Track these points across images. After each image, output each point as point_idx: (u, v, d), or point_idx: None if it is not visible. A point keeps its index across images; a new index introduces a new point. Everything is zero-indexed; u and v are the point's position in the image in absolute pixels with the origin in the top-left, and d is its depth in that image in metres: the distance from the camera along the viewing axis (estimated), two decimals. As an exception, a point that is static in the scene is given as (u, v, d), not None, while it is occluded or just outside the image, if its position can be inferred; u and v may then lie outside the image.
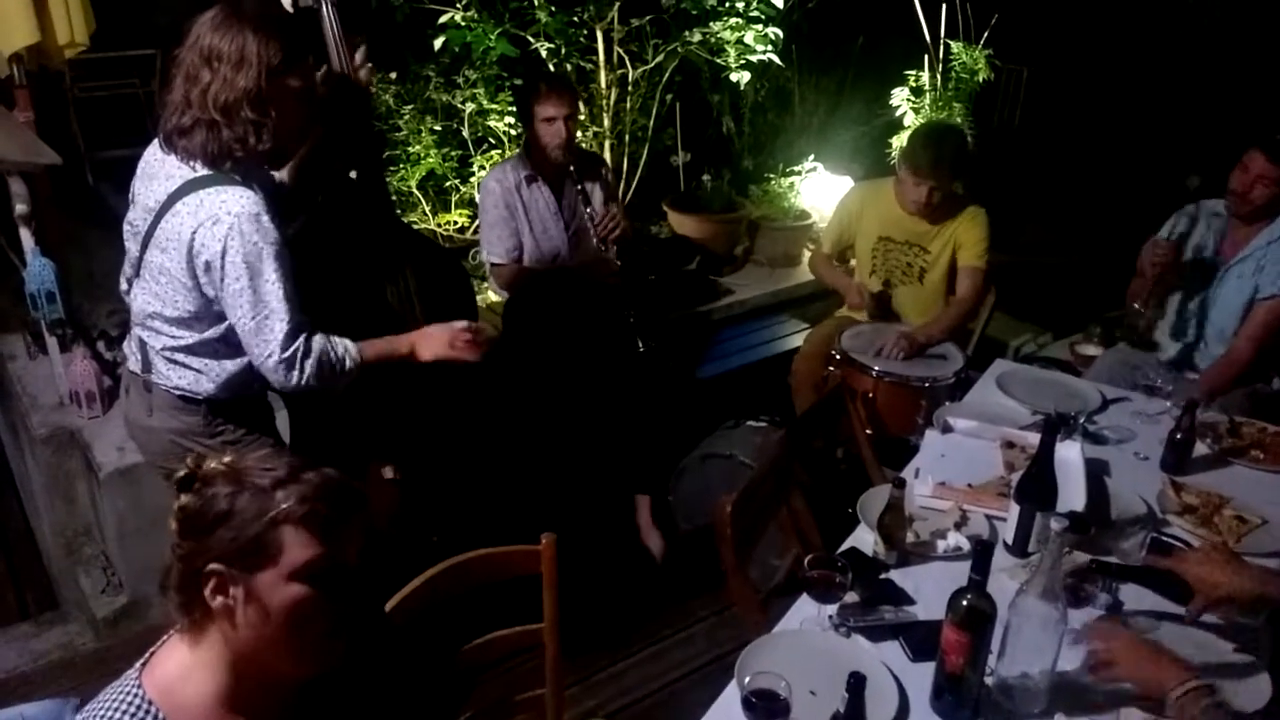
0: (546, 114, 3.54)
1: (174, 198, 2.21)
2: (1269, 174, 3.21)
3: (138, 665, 1.37)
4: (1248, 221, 3.35)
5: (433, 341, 2.55)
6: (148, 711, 1.31)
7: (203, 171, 2.22)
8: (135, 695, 1.32)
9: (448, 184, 4.83)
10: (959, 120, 5.27)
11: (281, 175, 2.59)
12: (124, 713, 1.30)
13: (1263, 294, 3.28)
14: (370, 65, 2.72)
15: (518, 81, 4.51)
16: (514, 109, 4.52)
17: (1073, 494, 2.30)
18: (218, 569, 1.29)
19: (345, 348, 2.39)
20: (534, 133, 3.63)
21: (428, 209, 4.84)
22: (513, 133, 4.72)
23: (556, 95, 3.55)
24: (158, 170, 2.27)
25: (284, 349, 2.26)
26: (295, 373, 2.29)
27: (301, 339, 2.29)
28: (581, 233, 3.82)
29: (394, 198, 4.57)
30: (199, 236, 2.18)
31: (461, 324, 2.58)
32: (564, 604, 2.15)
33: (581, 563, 3.20)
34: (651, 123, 5.15)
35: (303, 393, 2.36)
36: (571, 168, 3.70)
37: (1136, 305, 3.41)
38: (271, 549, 1.30)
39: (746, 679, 1.70)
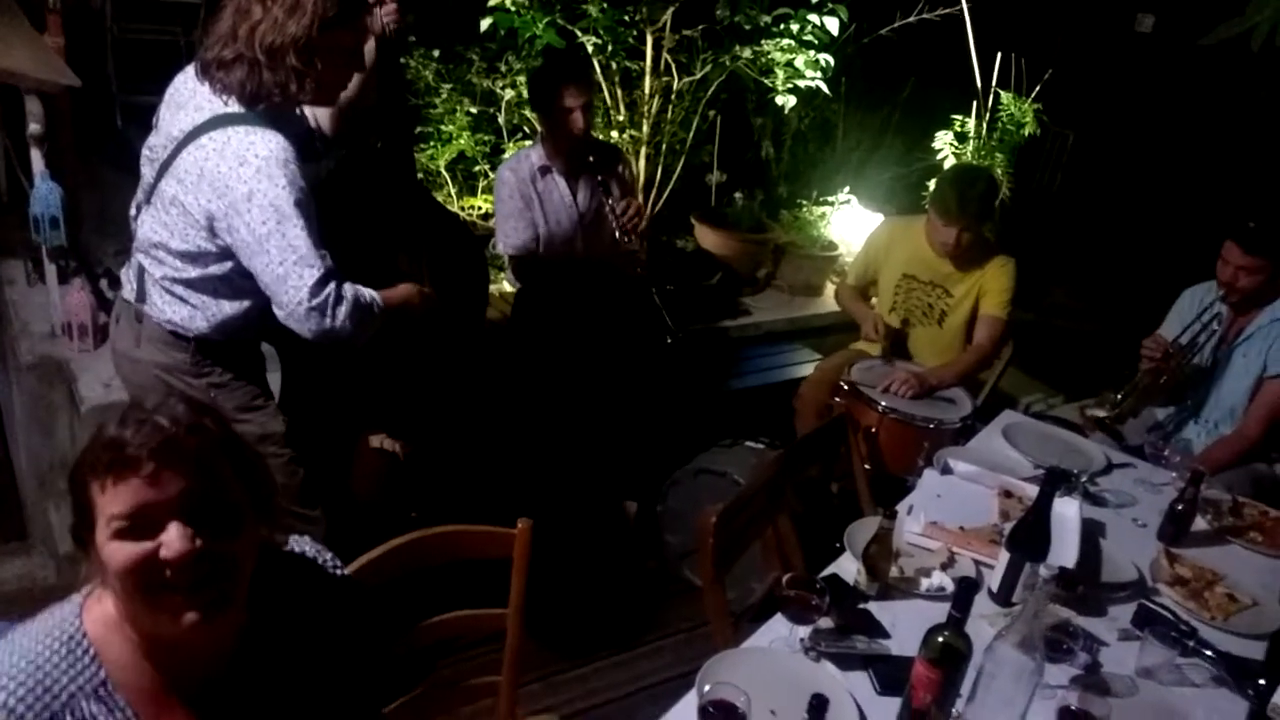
0: (566, 103, 3.48)
1: (201, 130, 2.17)
2: (1247, 264, 3.19)
3: (83, 593, 1.31)
4: (1243, 311, 3.33)
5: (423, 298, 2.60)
6: (80, 644, 1.26)
7: (235, 109, 2.18)
8: (73, 626, 1.28)
9: (476, 168, 4.80)
10: (999, 172, 5.23)
11: (322, 120, 2.55)
12: (57, 639, 1.26)
13: (1271, 372, 3.25)
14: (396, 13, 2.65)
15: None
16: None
17: (1065, 550, 2.24)
18: (82, 531, 1.26)
19: (372, 295, 2.36)
20: (552, 122, 3.58)
21: (453, 190, 4.82)
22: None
23: (576, 85, 3.49)
24: (188, 99, 2.23)
25: (314, 295, 2.21)
26: (327, 319, 2.24)
27: (333, 285, 2.24)
28: (598, 225, 3.78)
29: (421, 175, 4.56)
30: (224, 176, 2.14)
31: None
32: (536, 599, 2.11)
33: (560, 560, 3.17)
34: (690, 136, 5.12)
35: (330, 341, 2.29)
36: (591, 158, 3.66)
37: (1119, 395, 3.34)
38: (87, 506, 1.23)
39: (706, 688, 1.65)
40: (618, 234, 3.61)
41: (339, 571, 1.53)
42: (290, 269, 2.18)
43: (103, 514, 1.21)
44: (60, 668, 1.24)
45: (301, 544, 1.52)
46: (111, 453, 1.21)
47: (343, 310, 2.25)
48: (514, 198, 3.64)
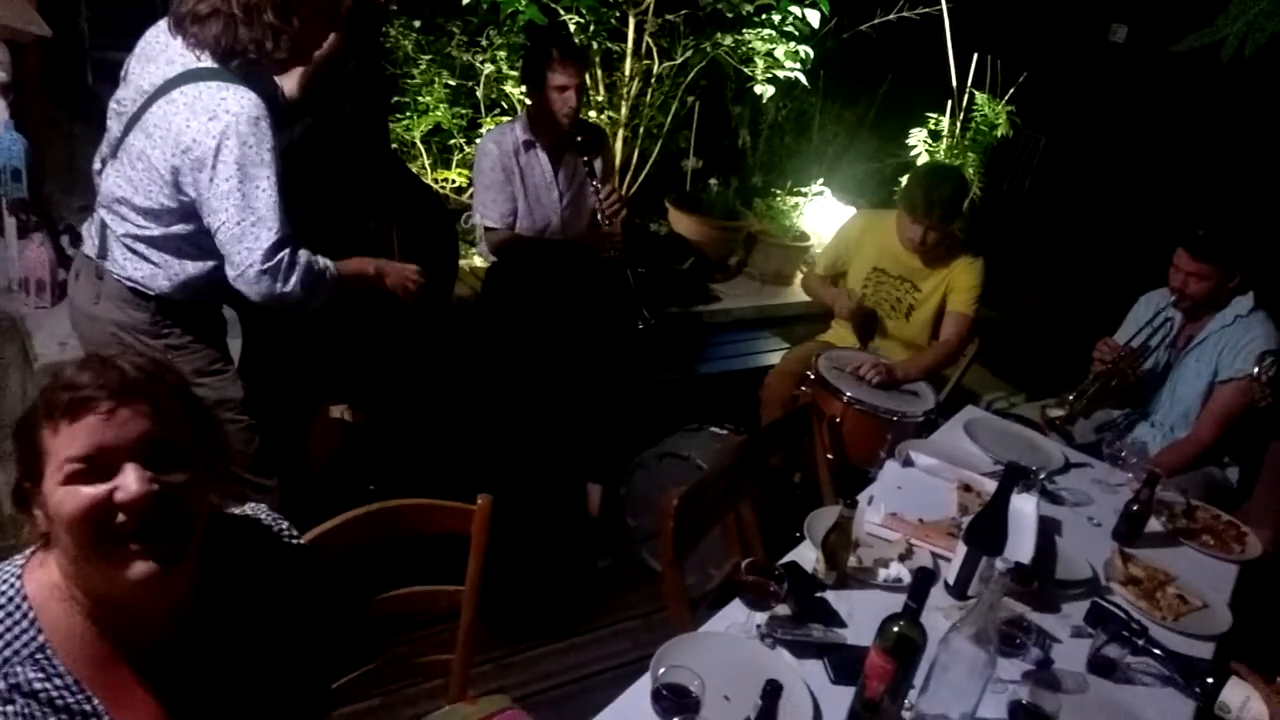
0: (558, 82, 3.46)
1: (171, 84, 2.13)
2: (1197, 270, 3.23)
3: (25, 554, 1.27)
4: (1194, 317, 3.37)
5: (394, 273, 2.56)
6: (19, 608, 1.22)
7: (207, 64, 2.14)
8: (12, 588, 1.24)
9: (452, 141, 4.76)
10: (971, 172, 5.25)
11: (289, 86, 2.52)
12: None
13: (1222, 376, 3.29)
14: None
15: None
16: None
17: (1022, 545, 2.25)
18: (26, 485, 1.22)
19: (325, 263, 2.33)
20: (542, 99, 3.55)
21: (428, 163, 4.78)
22: (526, 101, 4.66)
23: (569, 63, 3.47)
24: (159, 53, 2.19)
25: (267, 259, 2.18)
26: (278, 284, 2.21)
27: (287, 251, 2.21)
28: (577, 205, 3.76)
29: (396, 146, 4.52)
30: (192, 131, 2.10)
31: (414, 268, 2.60)
32: (492, 579, 2.10)
33: (519, 540, 3.15)
34: (668, 121, 5.11)
35: (277, 306, 2.26)
36: (579, 138, 3.64)
37: (1071, 397, 3.37)
38: (39, 454, 1.19)
39: (661, 670, 1.65)
40: (599, 215, 3.59)
41: (294, 540, 1.50)
42: (247, 230, 2.15)
43: (55, 458, 1.18)
44: None
45: (257, 511, 1.49)
46: (69, 392, 1.18)
47: (294, 277, 2.23)
48: (495, 170, 3.61)
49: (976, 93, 5.32)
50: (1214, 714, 1.89)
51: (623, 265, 3.68)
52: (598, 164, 3.72)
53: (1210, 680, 1.92)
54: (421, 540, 2.00)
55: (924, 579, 1.65)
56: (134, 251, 2.28)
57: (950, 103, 5.38)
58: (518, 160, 3.64)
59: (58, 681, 1.22)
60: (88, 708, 1.23)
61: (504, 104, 4.78)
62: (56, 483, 1.18)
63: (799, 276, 5.19)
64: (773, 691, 1.49)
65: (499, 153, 3.62)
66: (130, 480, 1.19)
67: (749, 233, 5.24)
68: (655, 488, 3.50)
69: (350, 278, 2.43)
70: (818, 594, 2.10)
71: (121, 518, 1.18)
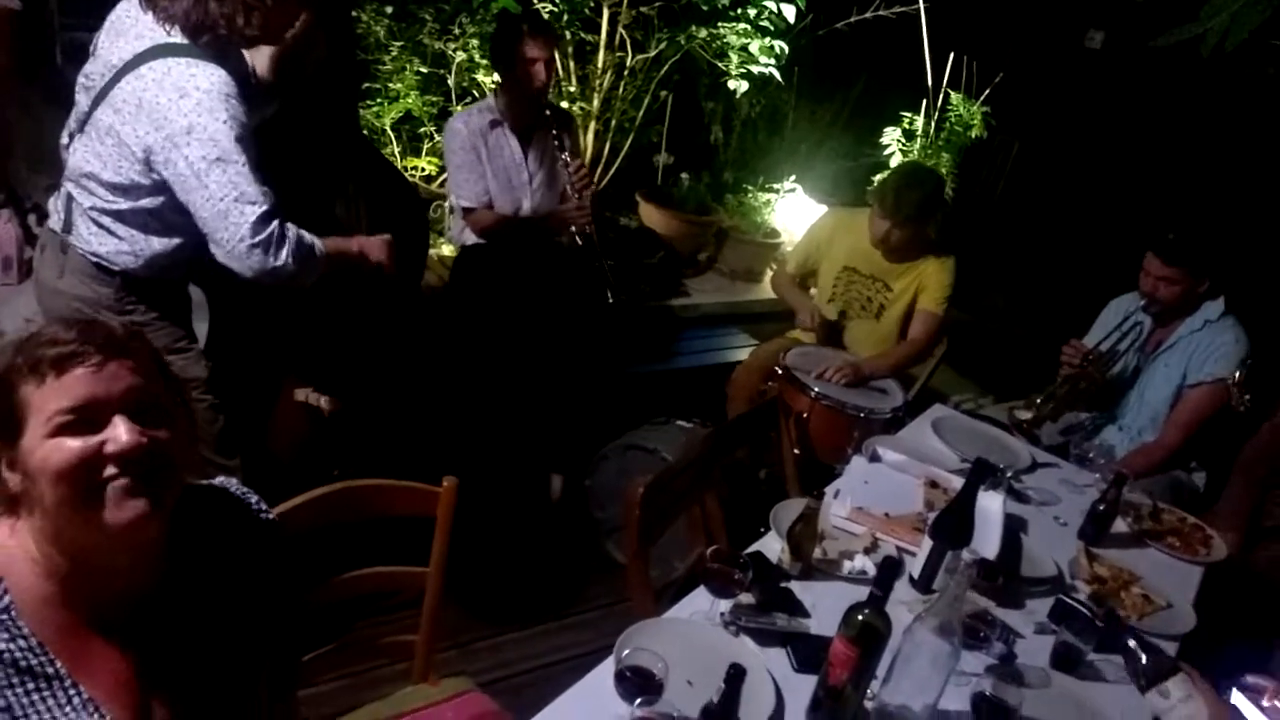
0: (530, 54, 3.44)
1: (140, 59, 2.10)
2: (1166, 274, 3.25)
3: None
4: (1164, 322, 3.39)
5: (372, 248, 2.53)
6: None
7: (178, 39, 2.11)
8: None
9: (422, 130, 4.73)
10: (944, 172, 5.27)
11: (260, 65, 2.47)
12: None
13: (1190, 381, 3.30)
14: None
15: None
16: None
17: (987, 541, 2.25)
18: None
19: (312, 239, 2.29)
20: (513, 75, 3.53)
21: (398, 150, 4.73)
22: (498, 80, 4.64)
23: (540, 37, 3.46)
24: (129, 27, 2.15)
25: (256, 232, 2.14)
26: (270, 257, 2.17)
27: (275, 224, 2.18)
28: (548, 186, 3.73)
29: (365, 132, 4.48)
30: (163, 108, 2.07)
31: (385, 237, 2.57)
32: (455, 565, 2.08)
33: (482, 527, 3.13)
34: (640, 115, 5.09)
35: (272, 281, 2.22)
36: (548, 112, 3.62)
37: (1039, 399, 3.39)
38: (18, 410, 1.18)
39: (625, 653, 1.63)
40: (569, 189, 3.56)
41: (264, 514, 1.48)
42: (231, 205, 2.11)
43: (40, 413, 1.17)
44: None
45: (227, 483, 1.48)
46: (56, 347, 1.18)
47: (285, 249, 2.19)
48: (465, 149, 3.59)
49: (952, 93, 5.34)
50: (1153, 694, 1.88)
51: (591, 245, 3.65)
52: (567, 138, 3.70)
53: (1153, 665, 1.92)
54: (385, 525, 1.98)
55: (890, 567, 1.65)
56: (100, 225, 2.24)
57: (925, 102, 5.39)
58: (485, 141, 3.61)
59: (21, 644, 1.21)
60: (50, 670, 1.22)
61: (475, 92, 4.75)
62: (42, 436, 1.17)
63: (769, 273, 5.19)
64: (736, 675, 1.48)
65: (467, 132, 3.59)
66: (121, 431, 1.19)
67: (720, 228, 5.23)
68: (620, 479, 3.49)
69: (335, 255, 2.39)
70: (782, 584, 2.09)
71: (111, 470, 1.19)
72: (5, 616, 1.20)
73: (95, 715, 1.24)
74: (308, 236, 2.28)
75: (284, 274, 2.21)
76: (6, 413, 1.19)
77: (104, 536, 1.21)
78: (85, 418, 1.18)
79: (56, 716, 1.22)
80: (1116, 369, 3.45)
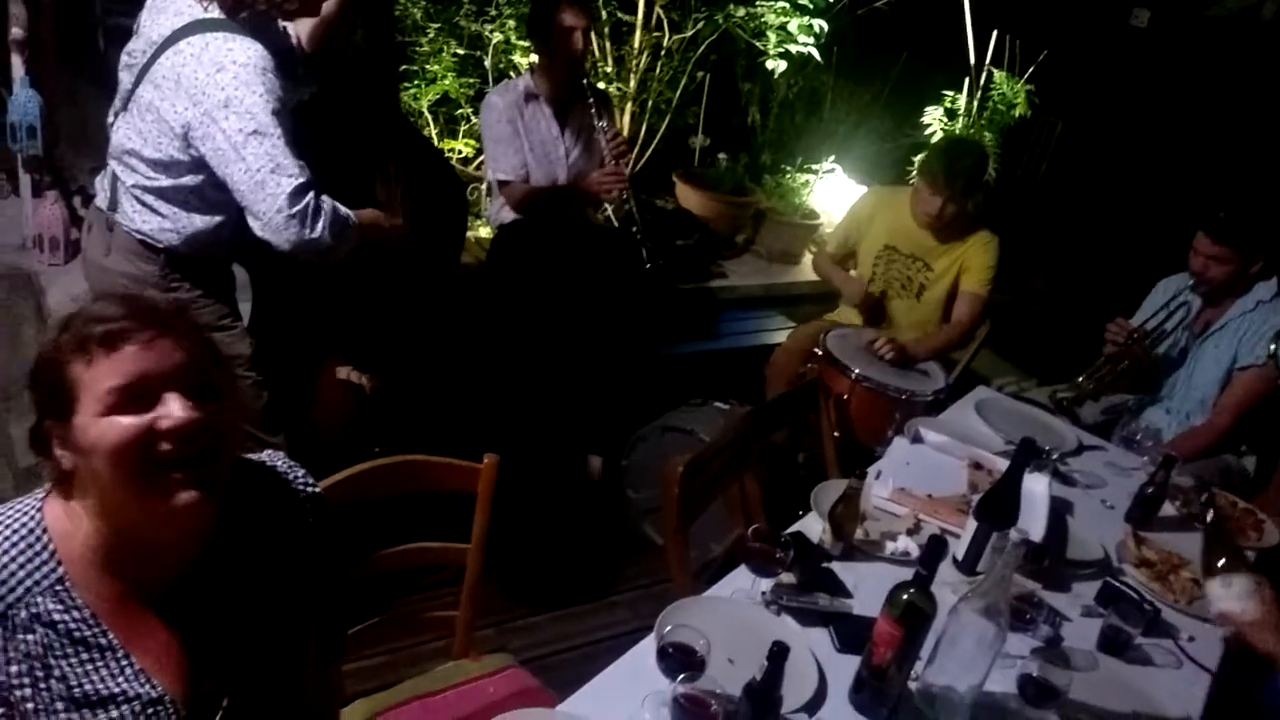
0: (567, 23, 3.41)
1: (179, 35, 2.11)
2: (1216, 254, 3.18)
3: (46, 488, 1.26)
4: (1214, 303, 3.32)
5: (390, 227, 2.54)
6: (39, 539, 1.21)
7: (215, 14, 2.12)
8: (33, 519, 1.22)
9: (459, 111, 4.72)
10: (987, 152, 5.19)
11: (303, 37, 2.47)
12: (16, 532, 1.21)
13: (1241, 363, 3.24)
14: None
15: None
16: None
17: (1033, 523, 2.22)
18: (49, 424, 1.20)
19: (347, 211, 2.30)
20: (550, 47, 3.51)
21: (435, 132, 4.73)
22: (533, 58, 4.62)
23: (577, 5, 3.44)
24: (168, 4, 2.17)
25: (293, 203, 2.14)
26: (306, 229, 2.17)
27: (311, 195, 2.18)
28: (585, 160, 3.70)
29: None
30: (200, 83, 2.07)
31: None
32: (493, 543, 2.08)
33: (519, 507, 3.12)
34: (677, 97, 5.06)
35: (308, 253, 2.23)
36: (585, 80, 3.60)
37: (1080, 378, 3.34)
38: (69, 389, 1.17)
39: (667, 629, 1.62)
40: (606, 156, 3.53)
41: (310, 488, 1.47)
42: (267, 177, 2.11)
43: (91, 391, 1.16)
44: (18, 561, 1.19)
45: (274, 458, 1.47)
46: (105, 324, 1.17)
47: (321, 221, 2.19)
48: (502, 123, 3.57)
49: (995, 70, 5.25)
50: (1217, 580, 1.88)
51: (630, 211, 3.62)
52: (603, 110, 3.68)
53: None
54: (420, 503, 1.99)
55: (935, 547, 1.63)
56: (143, 203, 2.25)
57: (968, 80, 5.31)
58: (522, 114, 3.59)
59: (75, 615, 1.21)
60: (103, 641, 1.23)
61: (512, 74, 4.71)
62: (94, 414, 1.16)
63: (807, 255, 5.15)
64: (779, 653, 1.46)
65: (503, 105, 3.57)
66: (175, 408, 1.18)
67: (757, 210, 5.18)
68: (656, 460, 3.48)
69: (368, 227, 2.39)
70: (824, 564, 2.07)
71: (165, 446, 1.18)
72: (60, 588, 1.21)
73: (147, 685, 1.25)
74: (342, 209, 2.28)
75: (320, 246, 2.21)
76: (57, 392, 1.18)
77: (155, 516, 1.20)
78: (137, 394, 1.17)
79: (110, 687, 1.23)
80: (1163, 349, 3.39)
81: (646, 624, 1.75)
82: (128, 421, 1.16)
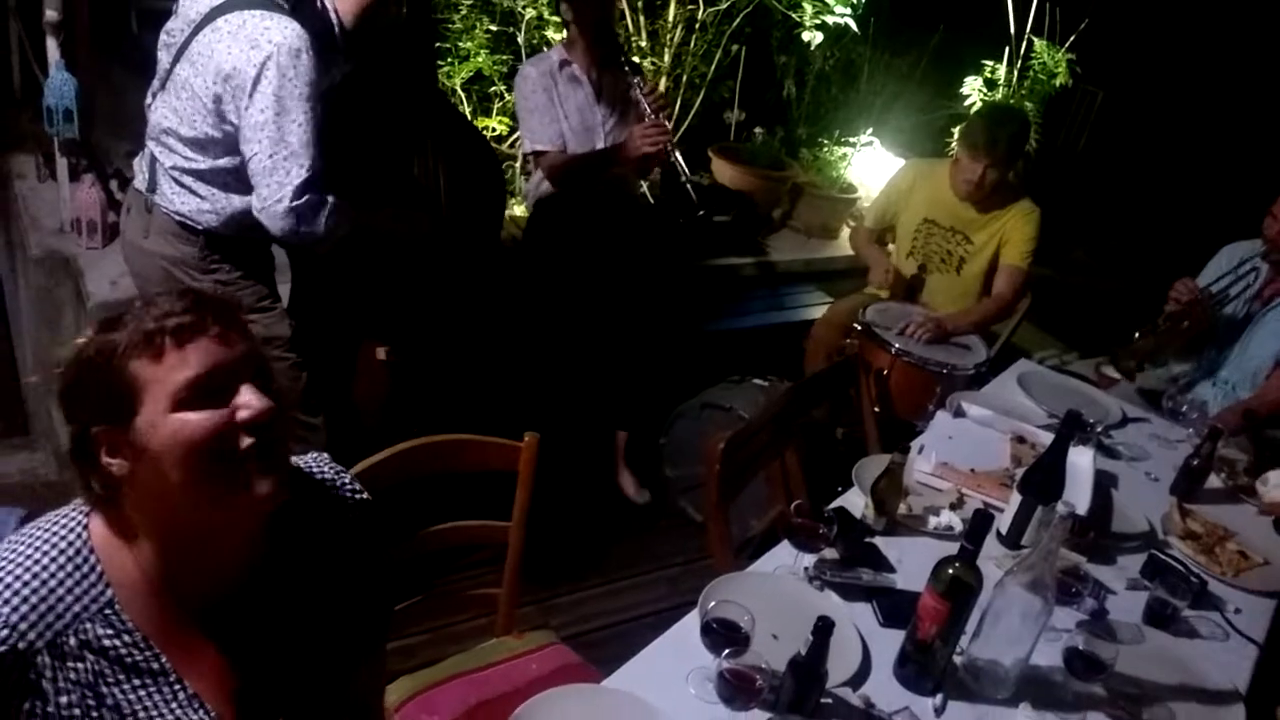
0: None
1: (217, 12, 2.12)
2: None
3: (81, 505, 1.21)
4: None
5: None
6: (86, 560, 1.16)
7: None
8: (79, 538, 1.17)
9: (493, 89, 4.70)
10: (1027, 122, 5.12)
11: (345, 15, 2.46)
12: (62, 552, 1.16)
13: None
14: None
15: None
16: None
17: (1078, 497, 2.19)
18: (99, 430, 1.14)
19: (345, 206, 2.29)
20: (581, 8, 3.46)
21: (468, 110, 4.72)
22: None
23: None
24: None
25: (297, 196, 2.16)
26: (301, 224, 2.19)
27: (316, 191, 2.19)
28: (621, 126, 3.67)
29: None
30: (234, 58, 2.09)
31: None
32: (535, 520, 2.08)
33: (561, 485, 3.14)
34: (711, 71, 5.01)
35: (297, 242, 2.26)
36: (618, 46, 3.57)
37: (1138, 334, 3.28)
38: (130, 389, 1.12)
39: (711, 604, 1.62)
40: (647, 111, 3.50)
41: (358, 495, 1.43)
42: (279, 163, 2.13)
43: (158, 388, 1.12)
44: (65, 585, 1.14)
45: (320, 462, 1.42)
46: (173, 319, 1.13)
47: (321, 217, 2.21)
48: (536, 93, 3.52)
49: (1035, 39, 5.16)
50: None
51: (676, 161, 3.55)
52: (639, 69, 3.64)
53: None
54: (459, 482, 1.99)
55: (981, 521, 1.62)
56: (181, 185, 2.27)
57: (1007, 49, 5.23)
58: (556, 83, 3.54)
59: (126, 638, 1.17)
60: (155, 665, 1.19)
61: (545, 49, 4.70)
62: (163, 411, 1.12)
63: (845, 230, 5.10)
64: (825, 628, 1.45)
65: (537, 74, 3.53)
66: (251, 399, 1.16)
67: (794, 184, 5.13)
68: (695, 437, 3.47)
69: (376, 225, 2.41)
70: (866, 540, 2.06)
71: (246, 440, 1.15)
72: (110, 611, 1.16)
73: (200, 712, 1.22)
74: (345, 208, 2.28)
75: (309, 240, 2.24)
76: (116, 393, 1.13)
77: (230, 512, 1.18)
78: (212, 388, 1.14)
79: (164, 713, 1.20)
80: (1225, 312, 3.32)
81: (687, 600, 1.76)
82: (204, 416, 1.13)
